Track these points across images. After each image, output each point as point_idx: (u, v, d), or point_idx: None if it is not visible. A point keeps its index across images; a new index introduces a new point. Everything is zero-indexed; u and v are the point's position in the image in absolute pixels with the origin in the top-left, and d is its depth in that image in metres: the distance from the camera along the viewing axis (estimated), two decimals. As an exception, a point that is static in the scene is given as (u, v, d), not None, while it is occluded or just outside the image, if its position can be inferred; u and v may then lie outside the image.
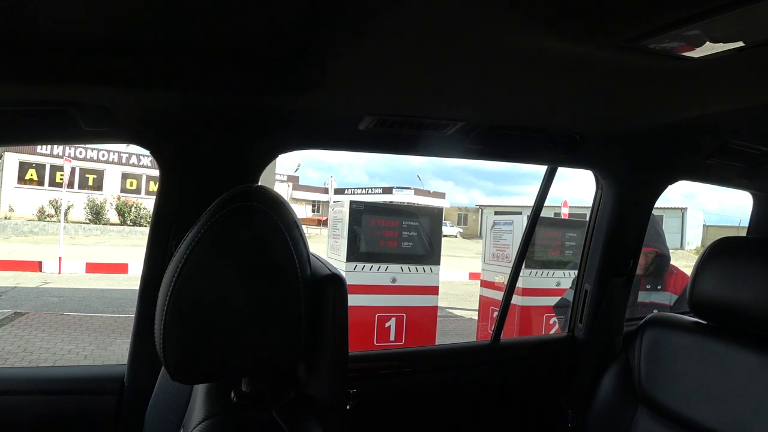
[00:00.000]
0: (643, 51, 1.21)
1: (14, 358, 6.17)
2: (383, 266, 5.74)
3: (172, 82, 1.45)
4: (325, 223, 24.06)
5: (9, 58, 1.30)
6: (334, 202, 6.96)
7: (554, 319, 6.01)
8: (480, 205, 47.13)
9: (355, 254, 5.67)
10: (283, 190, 33.92)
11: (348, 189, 43.17)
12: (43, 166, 25.88)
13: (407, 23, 1.14)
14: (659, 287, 3.30)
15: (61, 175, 18.39)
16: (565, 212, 11.38)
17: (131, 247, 17.38)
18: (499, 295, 6.03)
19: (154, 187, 26.08)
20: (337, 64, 1.38)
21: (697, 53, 1.20)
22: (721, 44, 1.15)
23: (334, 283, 0.99)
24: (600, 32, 1.14)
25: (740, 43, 1.13)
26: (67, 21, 1.20)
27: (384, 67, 1.40)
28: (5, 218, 22.47)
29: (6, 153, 24.98)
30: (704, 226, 34.29)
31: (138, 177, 28.75)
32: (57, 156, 24.96)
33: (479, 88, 1.57)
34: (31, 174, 25.88)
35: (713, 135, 2.02)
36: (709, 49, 1.17)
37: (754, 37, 1.11)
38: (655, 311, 2.19)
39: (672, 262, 3.49)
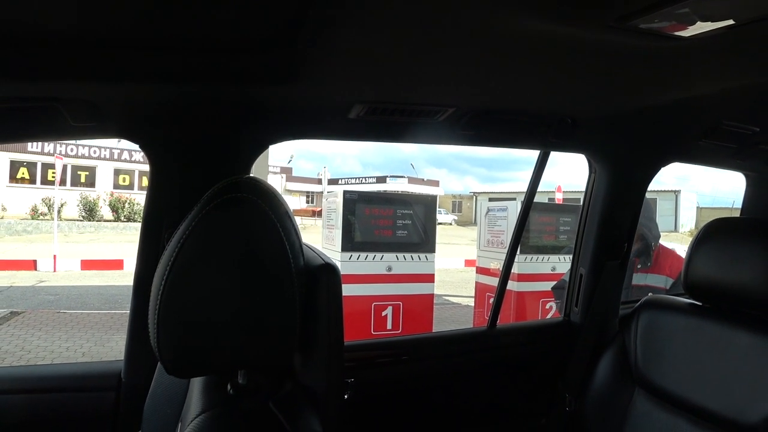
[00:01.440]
0: (633, 31, 1.20)
1: (12, 357, 6.15)
2: (378, 255, 5.74)
3: (159, 75, 1.43)
4: (319, 214, 24.05)
5: None
6: (327, 192, 6.94)
7: (550, 303, 6.04)
8: (474, 192, 47.18)
9: (349, 244, 5.67)
10: (276, 181, 33.87)
11: (341, 179, 43.15)
12: (35, 164, 25.76)
13: (394, 9, 1.13)
14: (649, 264, 3.31)
15: (53, 172, 18.29)
16: (559, 197, 11.41)
17: (126, 243, 17.30)
18: (494, 282, 6.05)
19: (146, 182, 25.73)
20: (324, 52, 1.37)
21: (687, 32, 1.20)
22: (711, 22, 1.14)
23: (328, 272, 0.99)
24: (588, 12, 1.13)
25: (730, 21, 1.13)
26: (51, 15, 1.18)
27: (372, 54, 1.39)
28: (-2, 218, 22.40)
29: (-4, 152, 24.87)
30: (698, 208, 34.40)
31: (130, 173, 28.67)
32: (48, 153, 24.80)
33: (469, 73, 1.56)
34: (23, 172, 25.77)
35: (706, 116, 2.02)
36: (699, 27, 1.17)
37: (744, 14, 1.10)
38: (651, 294, 2.20)
39: (666, 245, 3.50)
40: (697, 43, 1.26)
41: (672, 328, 1.91)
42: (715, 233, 1.82)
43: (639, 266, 3.33)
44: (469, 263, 14.90)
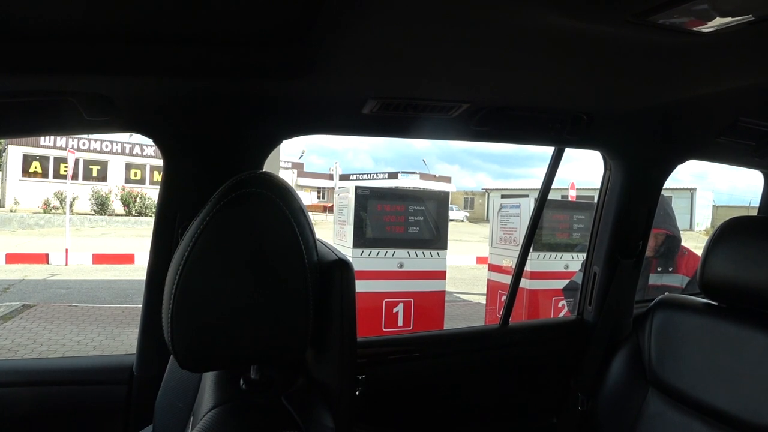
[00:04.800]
0: (651, 26, 1.18)
1: (24, 350, 6.21)
2: (390, 251, 5.72)
3: (173, 70, 1.43)
4: (330, 210, 24.07)
5: (7, 48, 1.28)
6: (339, 188, 6.94)
7: (563, 302, 6.01)
8: (486, 189, 47.00)
9: (361, 240, 5.66)
10: (288, 177, 33.92)
11: (353, 175, 43.12)
12: (47, 158, 25.93)
13: (409, 4, 1.12)
14: (670, 269, 3.26)
15: (65, 166, 18.39)
16: (572, 194, 11.34)
17: (137, 238, 17.41)
18: (507, 279, 6.03)
19: (158, 177, 26.12)
20: (339, 47, 1.36)
21: (705, 28, 1.18)
22: (730, 18, 1.13)
23: (341, 268, 0.99)
24: (607, 7, 1.12)
25: (750, 17, 1.11)
26: (65, 9, 1.18)
27: (387, 49, 1.39)
28: (11, 211, 22.61)
29: (9, 146, 25.07)
30: (714, 206, 34.11)
31: (142, 167, 28.79)
32: (60, 148, 24.97)
33: (484, 68, 1.55)
34: (35, 166, 25.94)
35: (723, 113, 2.00)
36: (717, 23, 1.15)
37: (763, 10, 1.09)
38: (667, 294, 2.18)
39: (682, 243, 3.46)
40: (715, 39, 1.24)
41: (687, 328, 1.89)
42: (731, 232, 1.80)
43: (659, 269, 3.29)
44: (480, 260, 14.87)
